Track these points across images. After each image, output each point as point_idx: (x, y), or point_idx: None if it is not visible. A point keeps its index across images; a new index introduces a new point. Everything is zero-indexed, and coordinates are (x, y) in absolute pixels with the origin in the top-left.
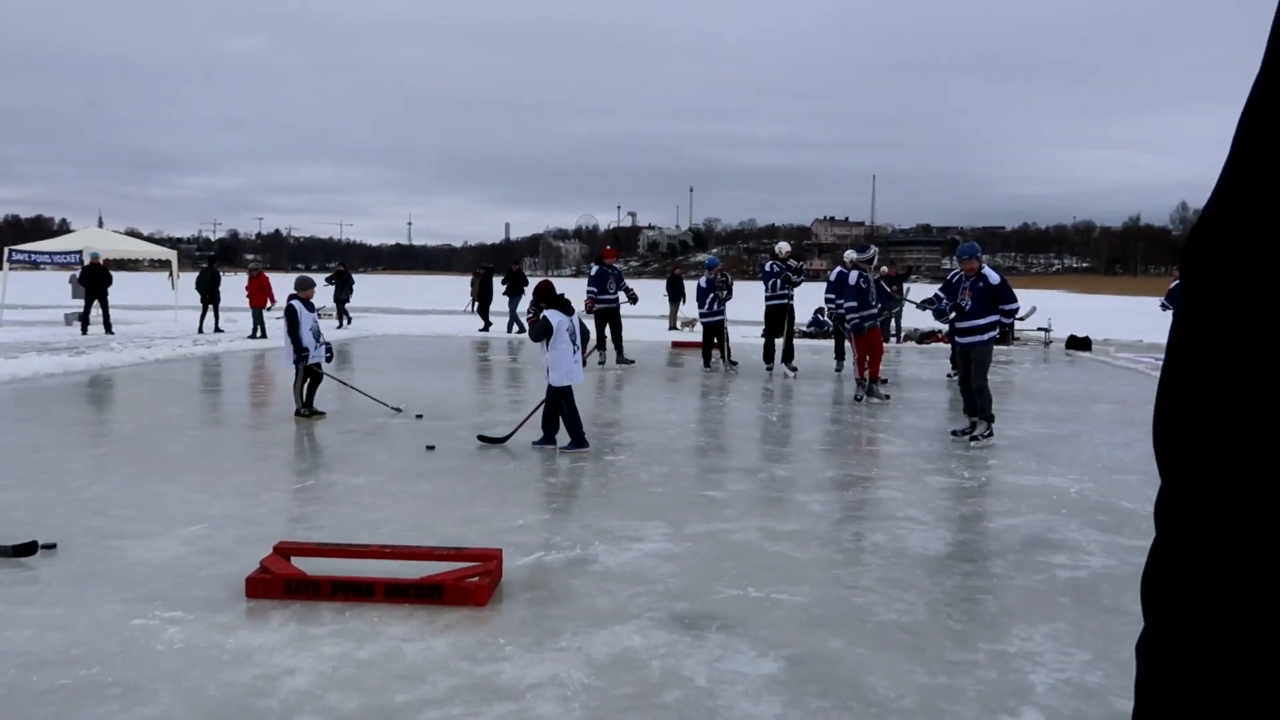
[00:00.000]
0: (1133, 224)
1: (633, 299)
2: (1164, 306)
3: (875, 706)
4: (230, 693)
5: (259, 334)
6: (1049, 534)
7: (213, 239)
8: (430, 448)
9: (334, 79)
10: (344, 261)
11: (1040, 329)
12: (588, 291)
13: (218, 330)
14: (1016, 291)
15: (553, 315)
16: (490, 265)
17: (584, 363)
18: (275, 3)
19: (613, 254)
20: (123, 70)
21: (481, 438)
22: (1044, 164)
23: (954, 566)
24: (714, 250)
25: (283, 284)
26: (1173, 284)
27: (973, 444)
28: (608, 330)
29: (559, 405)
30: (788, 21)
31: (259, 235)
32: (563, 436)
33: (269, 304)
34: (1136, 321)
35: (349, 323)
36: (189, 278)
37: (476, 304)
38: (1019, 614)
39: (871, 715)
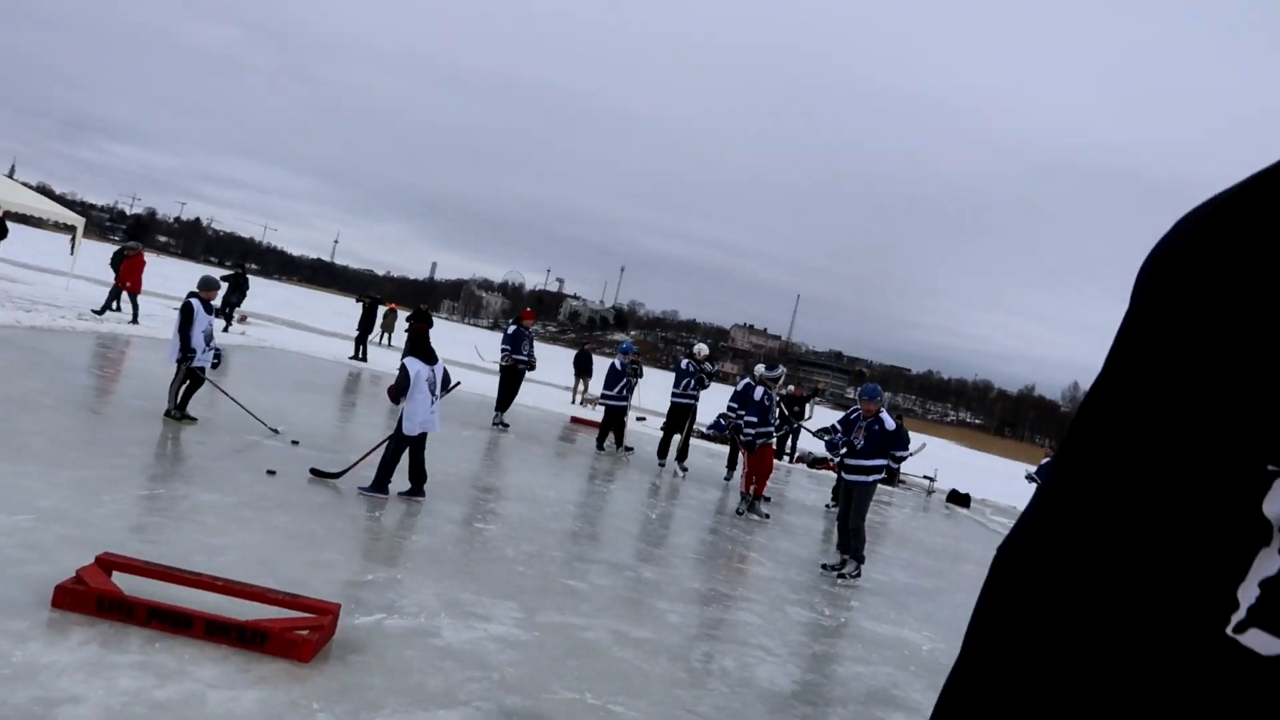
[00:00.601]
0: (1027, 393)
1: (531, 365)
2: (1029, 479)
3: None
4: (0, 711)
5: (111, 309)
6: (893, 690)
7: (128, 212)
8: (271, 472)
9: (293, 85)
10: (243, 265)
11: (926, 477)
12: (502, 349)
13: (134, 322)
14: (911, 433)
15: (412, 364)
16: (376, 296)
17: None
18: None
19: (532, 316)
20: (85, 29)
21: (314, 471)
22: (951, 318)
23: (794, 708)
24: (631, 334)
25: (187, 272)
26: (1044, 460)
27: (839, 581)
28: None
29: (397, 449)
30: (741, 131)
31: (178, 219)
32: (401, 482)
33: (127, 287)
34: (1015, 486)
35: (239, 329)
36: (93, 246)
37: (356, 333)
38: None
39: None
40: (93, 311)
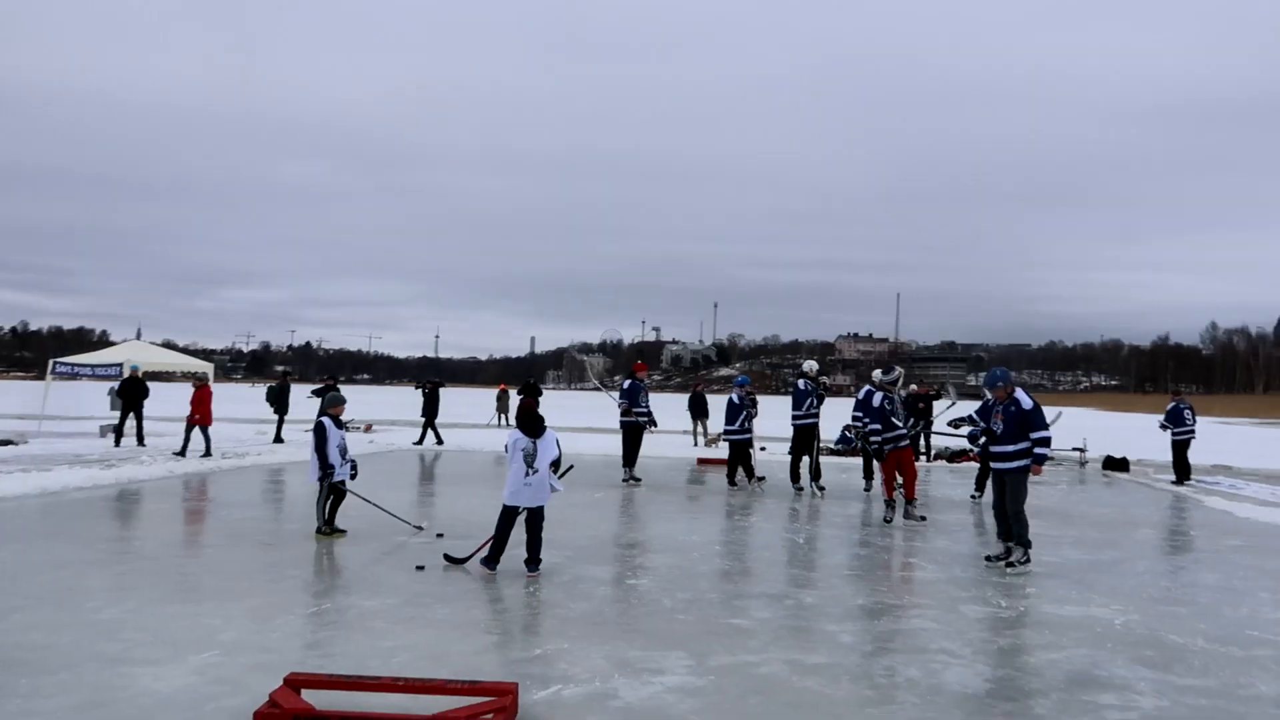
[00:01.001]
0: (1162, 343)
1: (653, 422)
2: (1162, 426)
3: None
4: None
5: (185, 451)
6: (1094, 670)
7: (245, 350)
8: (420, 568)
9: (383, 199)
10: (333, 375)
11: (1075, 449)
12: (620, 403)
13: (206, 455)
14: (1048, 408)
15: (511, 434)
16: (437, 380)
17: (555, 483)
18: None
19: (644, 368)
20: (183, 190)
21: (447, 557)
22: (1069, 284)
23: (994, 706)
24: (737, 366)
25: (298, 391)
26: (1169, 405)
27: (1009, 571)
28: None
29: (500, 520)
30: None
31: (290, 347)
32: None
33: (197, 419)
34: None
35: (368, 438)
36: (222, 389)
37: (424, 418)
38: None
39: None
40: (173, 454)
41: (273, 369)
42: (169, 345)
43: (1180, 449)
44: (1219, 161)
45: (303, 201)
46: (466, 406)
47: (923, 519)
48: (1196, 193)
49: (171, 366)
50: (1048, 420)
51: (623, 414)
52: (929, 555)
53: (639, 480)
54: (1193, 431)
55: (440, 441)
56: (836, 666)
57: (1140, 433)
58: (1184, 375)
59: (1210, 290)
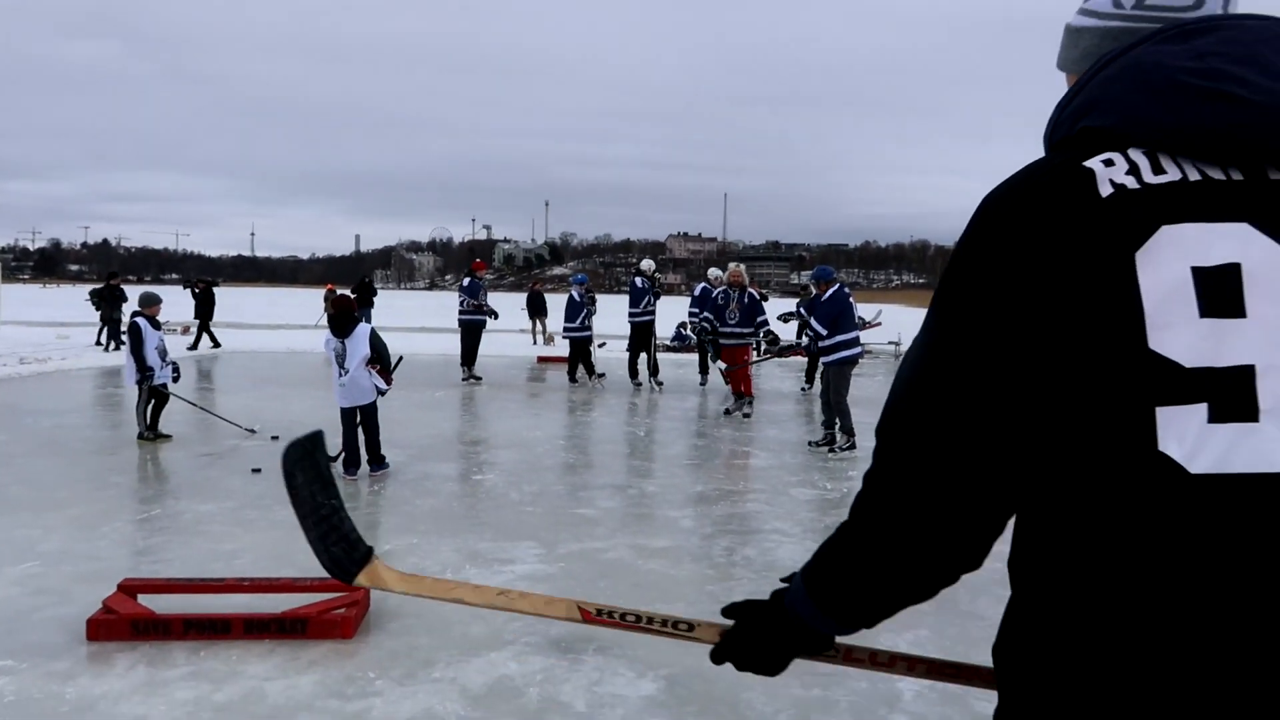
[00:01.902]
0: None
1: (494, 314)
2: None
3: None
4: None
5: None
6: None
7: (31, 248)
8: (256, 470)
9: (179, 87)
10: (115, 272)
11: (891, 343)
12: (461, 301)
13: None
14: (865, 305)
15: (325, 334)
16: (210, 279)
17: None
18: (126, 8)
19: (483, 266)
20: None
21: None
22: (882, 187)
23: None
24: (570, 265)
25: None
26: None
27: (831, 455)
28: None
29: (343, 424)
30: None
31: (84, 245)
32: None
33: None
34: None
35: (186, 340)
36: (10, 290)
37: (197, 320)
38: (884, 624)
39: None
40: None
41: (65, 268)
42: None
43: None
44: (1024, 72)
45: (89, 87)
46: (292, 307)
47: (746, 416)
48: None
49: None
50: (868, 320)
51: (462, 311)
52: (761, 444)
53: (479, 379)
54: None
55: (216, 344)
56: (678, 549)
57: None
58: None
59: None
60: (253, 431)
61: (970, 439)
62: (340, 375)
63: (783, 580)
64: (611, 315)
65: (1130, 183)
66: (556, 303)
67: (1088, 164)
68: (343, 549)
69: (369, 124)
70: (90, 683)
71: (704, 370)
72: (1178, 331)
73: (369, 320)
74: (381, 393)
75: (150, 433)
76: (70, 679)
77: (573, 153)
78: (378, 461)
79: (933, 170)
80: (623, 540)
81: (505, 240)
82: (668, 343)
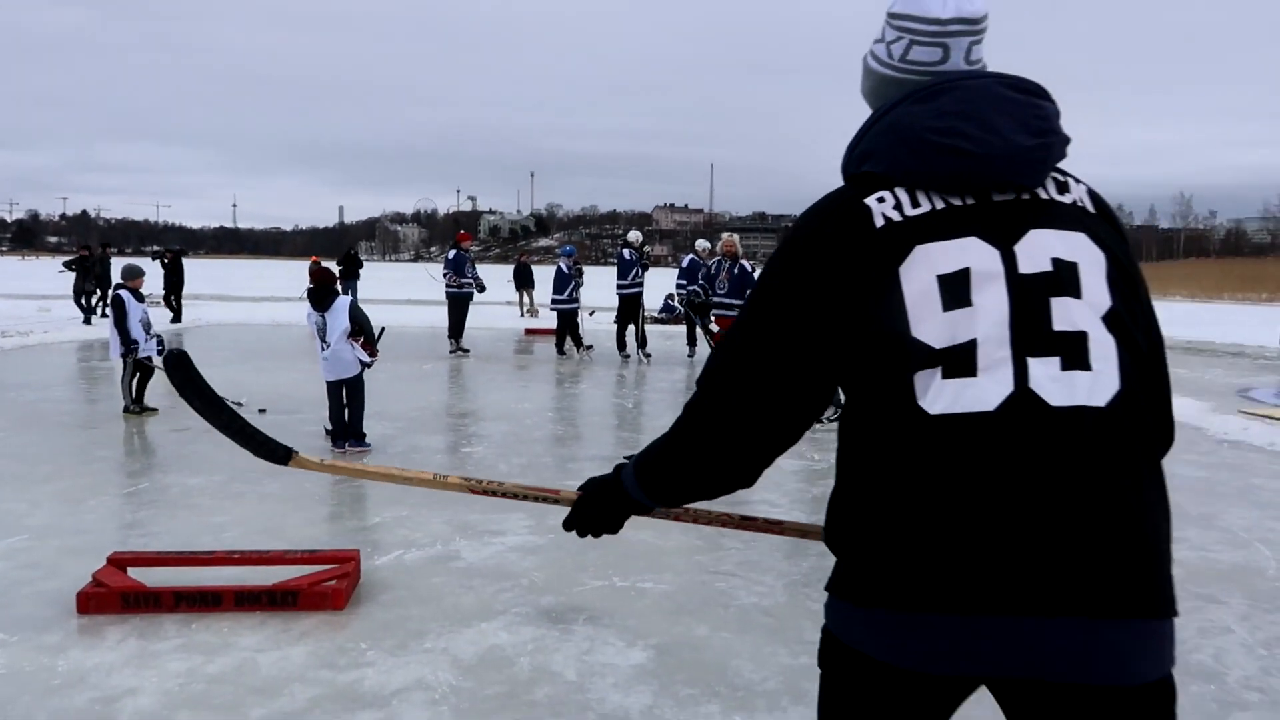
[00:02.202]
0: None
1: (480, 287)
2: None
3: (741, 690)
4: (64, 719)
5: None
6: None
7: (9, 219)
8: None
9: (157, 57)
10: (88, 245)
11: None
12: (444, 274)
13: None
14: None
15: (307, 308)
16: (178, 248)
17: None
18: None
19: (468, 237)
20: None
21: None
22: None
23: (809, 548)
24: (556, 236)
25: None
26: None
27: (817, 426)
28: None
29: (329, 398)
30: (630, 22)
31: (63, 216)
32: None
33: None
34: None
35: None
36: None
37: (166, 292)
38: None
39: (738, 699)
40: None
41: (44, 240)
42: None
43: None
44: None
45: (67, 55)
46: (276, 279)
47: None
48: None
49: None
50: None
51: (449, 286)
52: None
53: (467, 351)
54: None
55: (177, 318)
56: (666, 521)
57: None
58: None
59: None
60: (240, 405)
61: (761, 381)
62: (323, 349)
63: (625, 458)
64: (598, 287)
65: (895, 216)
66: (544, 275)
67: (866, 201)
68: (265, 444)
69: (353, 94)
70: (82, 655)
71: (691, 342)
72: (929, 324)
73: (355, 293)
74: (366, 365)
75: (136, 406)
76: (61, 651)
77: (558, 124)
78: (358, 437)
79: None
80: None
81: (491, 212)
82: (655, 314)
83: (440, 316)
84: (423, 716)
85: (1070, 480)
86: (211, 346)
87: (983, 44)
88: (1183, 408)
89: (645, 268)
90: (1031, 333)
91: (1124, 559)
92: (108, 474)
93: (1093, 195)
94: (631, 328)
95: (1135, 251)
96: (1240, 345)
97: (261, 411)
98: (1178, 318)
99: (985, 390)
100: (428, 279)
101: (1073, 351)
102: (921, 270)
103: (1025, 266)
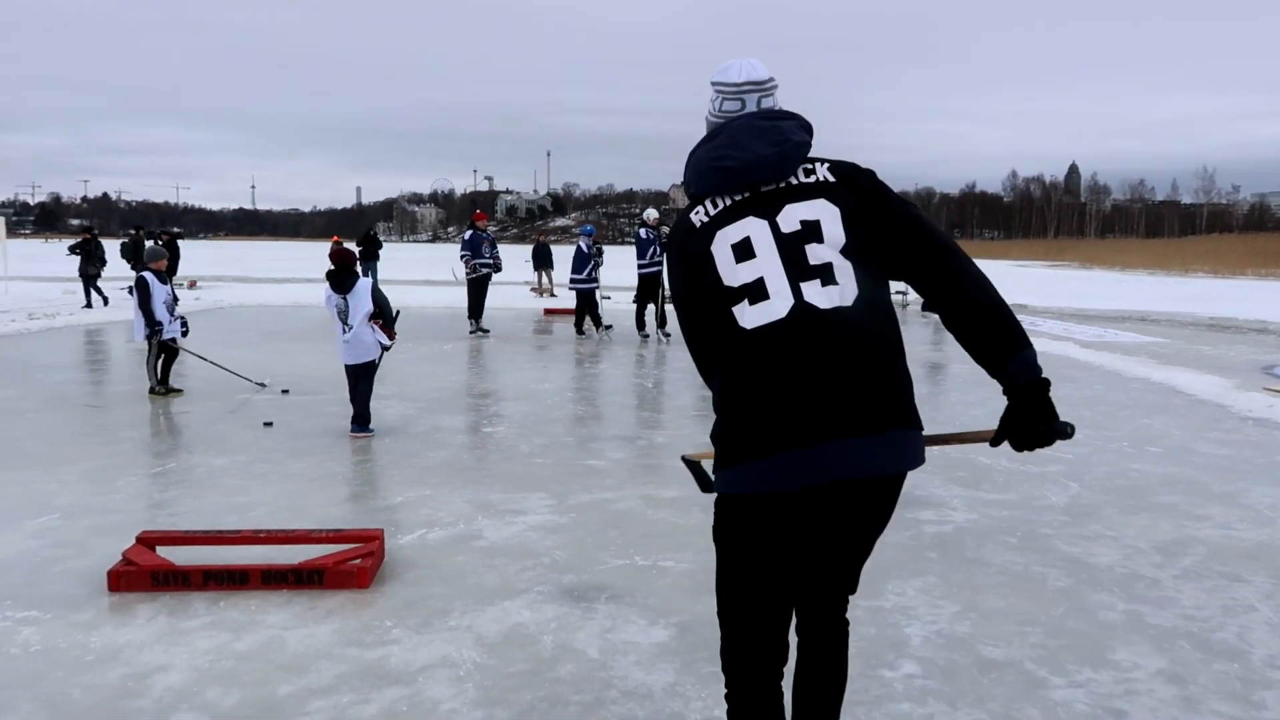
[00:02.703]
0: (969, 191)
1: (497, 267)
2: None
3: None
4: (98, 695)
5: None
6: (915, 491)
7: (31, 202)
8: (268, 424)
9: (178, 37)
10: (90, 227)
11: (898, 292)
12: (462, 256)
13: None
14: None
15: (326, 290)
16: (176, 230)
17: (387, 337)
18: None
19: (484, 217)
20: None
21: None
22: (885, 134)
23: None
24: (572, 216)
25: (114, 249)
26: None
27: None
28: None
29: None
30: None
31: (84, 199)
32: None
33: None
34: None
35: (194, 294)
36: (14, 245)
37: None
38: (892, 570)
39: None
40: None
41: (66, 222)
42: None
43: None
44: (1018, 17)
45: (86, 36)
46: (296, 260)
47: None
48: (998, 46)
49: None
50: None
51: (466, 270)
52: None
53: (487, 332)
54: None
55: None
56: (687, 499)
57: None
58: (988, 221)
59: (1012, 140)
60: (263, 385)
61: (684, 320)
62: (344, 332)
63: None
64: (617, 267)
65: (704, 219)
66: (562, 254)
67: (689, 216)
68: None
69: (370, 74)
70: (113, 632)
71: None
72: (732, 274)
73: (375, 274)
74: (385, 348)
75: (161, 387)
76: (94, 629)
77: (574, 102)
78: (362, 422)
79: (933, 117)
80: (632, 491)
81: (507, 191)
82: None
83: (459, 297)
84: (448, 693)
85: (839, 353)
86: (234, 328)
87: (773, 96)
88: (1206, 385)
89: (663, 247)
90: (797, 267)
91: (880, 398)
92: (135, 454)
93: (834, 169)
94: (651, 307)
95: (1158, 228)
96: (1264, 322)
97: (285, 392)
98: (1199, 294)
99: (776, 306)
100: (450, 262)
101: (826, 275)
102: (722, 245)
103: (785, 228)
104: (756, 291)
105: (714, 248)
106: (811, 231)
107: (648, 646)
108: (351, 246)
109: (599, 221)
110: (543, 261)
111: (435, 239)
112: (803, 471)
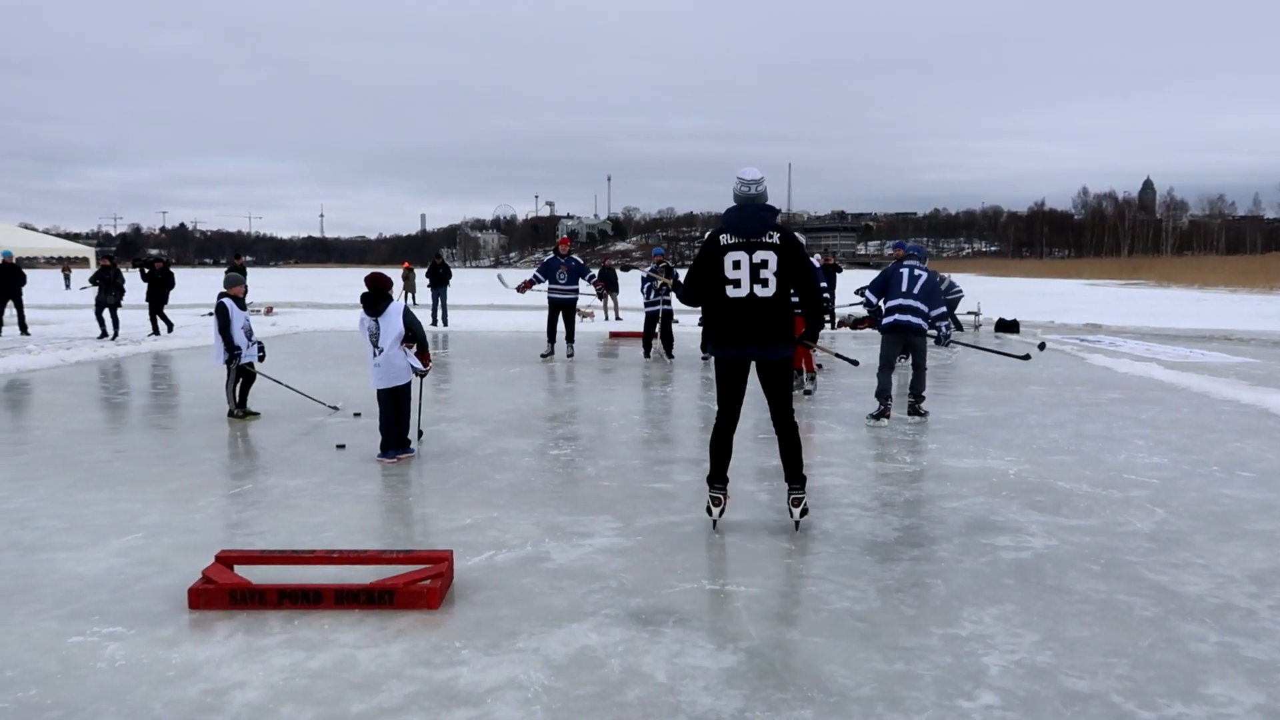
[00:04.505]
0: (1038, 208)
1: (600, 295)
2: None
3: (835, 696)
4: (178, 710)
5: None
6: (991, 516)
7: (113, 234)
8: (340, 446)
9: (259, 73)
10: (110, 255)
11: (970, 312)
12: (535, 277)
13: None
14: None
15: (360, 314)
16: (166, 258)
17: (422, 361)
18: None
19: (566, 242)
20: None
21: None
22: (951, 152)
23: (902, 552)
24: (633, 239)
25: (193, 278)
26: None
27: (913, 418)
28: (561, 323)
29: (380, 406)
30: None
31: (163, 229)
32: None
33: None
34: (1045, 303)
35: (270, 320)
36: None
37: (149, 304)
38: (968, 597)
39: (832, 705)
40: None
41: (145, 252)
42: (27, 229)
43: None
44: (1089, 31)
45: (175, 75)
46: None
47: (807, 393)
48: (1067, 62)
49: (52, 252)
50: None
51: (519, 290)
52: (837, 418)
53: (546, 356)
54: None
55: (156, 330)
56: (756, 523)
57: (1021, 295)
58: (1057, 240)
59: (1082, 156)
60: (336, 409)
61: (692, 287)
62: (375, 356)
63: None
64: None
65: (726, 241)
66: (627, 279)
67: (719, 237)
68: None
69: (435, 104)
70: (193, 649)
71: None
72: (729, 272)
73: (445, 299)
74: (420, 373)
75: (239, 410)
76: (175, 645)
77: (635, 126)
78: (403, 444)
79: (1003, 134)
80: (699, 514)
81: (568, 216)
82: None
83: (525, 321)
84: (516, 715)
85: (761, 317)
86: (308, 353)
87: (763, 186)
88: None
89: None
90: (754, 277)
91: (774, 335)
92: (214, 475)
93: (781, 236)
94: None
95: (1239, 244)
96: None
97: (357, 415)
98: None
99: (742, 291)
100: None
101: (765, 282)
102: (728, 257)
103: (754, 259)
104: (736, 283)
105: (725, 257)
106: (763, 263)
107: (716, 672)
108: (420, 273)
109: (658, 245)
110: (609, 285)
111: (497, 264)
112: (740, 354)
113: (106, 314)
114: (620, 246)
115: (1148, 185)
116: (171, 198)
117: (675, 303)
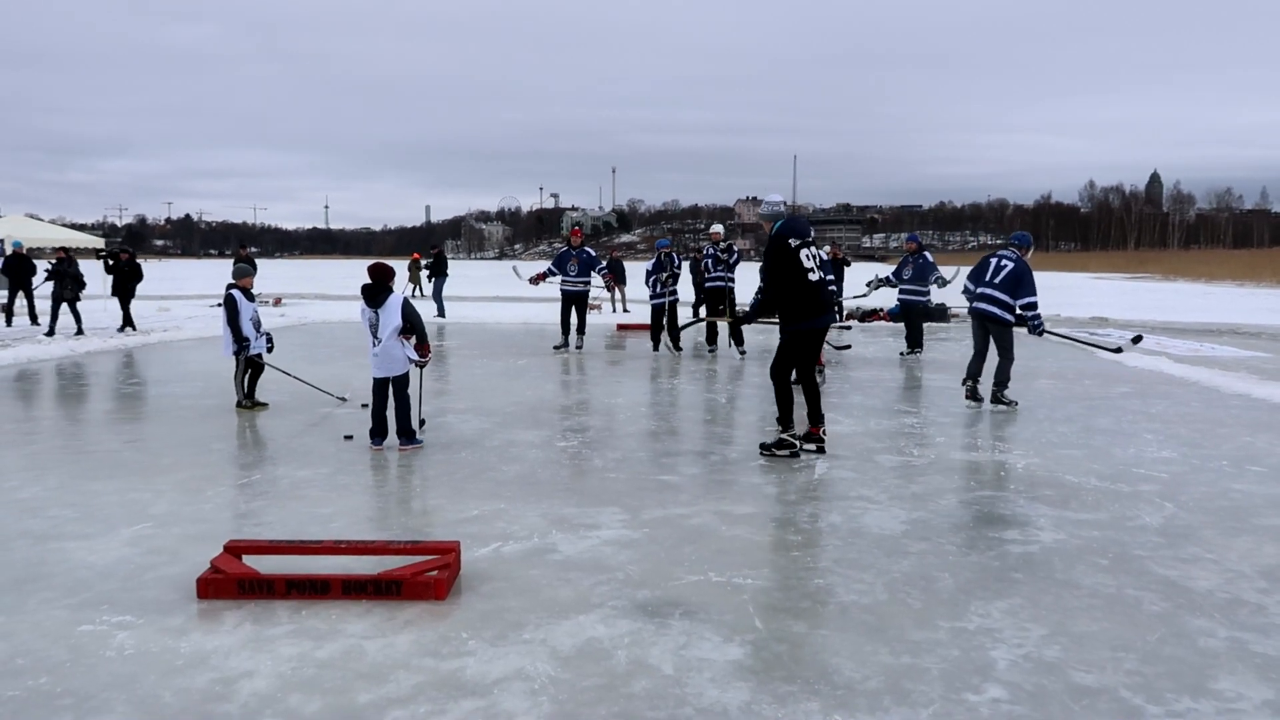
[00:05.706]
0: (1044, 202)
1: (609, 287)
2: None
3: (842, 689)
4: (187, 699)
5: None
6: (999, 510)
7: (119, 224)
8: (348, 437)
9: (267, 66)
10: (126, 248)
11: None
12: (548, 271)
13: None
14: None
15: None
16: (130, 250)
17: (419, 352)
18: None
19: (579, 234)
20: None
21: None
22: (956, 146)
23: (909, 545)
24: (638, 231)
25: (196, 270)
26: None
27: (1000, 408)
28: (574, 315)
29: (373, 395)
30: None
31: (168, 220)
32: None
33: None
34: (1053, 296)
35: (279, 311)
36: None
37: (116, 296)
38: (976, 591)
39: (839, 698)
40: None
41: (151, 243)
42: (33, 220)
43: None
44: (1094, 26)
45: (187, 68)
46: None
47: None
48: (1073, 56)
49: (63, 243)
50: (947, 278)
51: (534, 280)
52: (845, 410)
53: (559, 348)
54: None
55: (125, 326)
56: (762, 515)
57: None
58: (1064, 233)
59: (1088, 150)
60: (344, 400)
61: (776, 280)
62: (374, 346)
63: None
64: (684, 282)
65: (795, 243)
66: (633, 269)
67: (789, 242)
68: None
69: (442, 96)
70: (202, 638)
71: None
72: (807, 266)
73: (442, 290)
74: (418, 364)
75: (248, 401)
76: (184, 634)
77: (640, 119)
78: (406, 435)
79: (1007, 128)
80: (706, 506)
81: (573, 208)
82: (745, 309)
83: (534, 313)
84: (523, 706)
85: (825, 295)
86: (315, 344)
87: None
88: None
89: (726, 262)
90: (819, 266)
91: (828, 308)
92: (223, 465)
93: (812, 238)
94: (722, 323)
95: (1247, 237)
96: None
97: (365, 406)
98: None
99: (815, 276)
100: (508, 275)
101: (824, 269)
102: (803, 254)
103: (820, 255)
104: (811, 270)
105: (800, 255)
106: (817, 257)
107: (722, 664)
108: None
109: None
110: (617, 278)
111: (501, 256)
112: (824, 322)
113: (65, 309)
114: (624, 238)
115: (1155, 179)
116: (178, 189)
117: (680, 293)
